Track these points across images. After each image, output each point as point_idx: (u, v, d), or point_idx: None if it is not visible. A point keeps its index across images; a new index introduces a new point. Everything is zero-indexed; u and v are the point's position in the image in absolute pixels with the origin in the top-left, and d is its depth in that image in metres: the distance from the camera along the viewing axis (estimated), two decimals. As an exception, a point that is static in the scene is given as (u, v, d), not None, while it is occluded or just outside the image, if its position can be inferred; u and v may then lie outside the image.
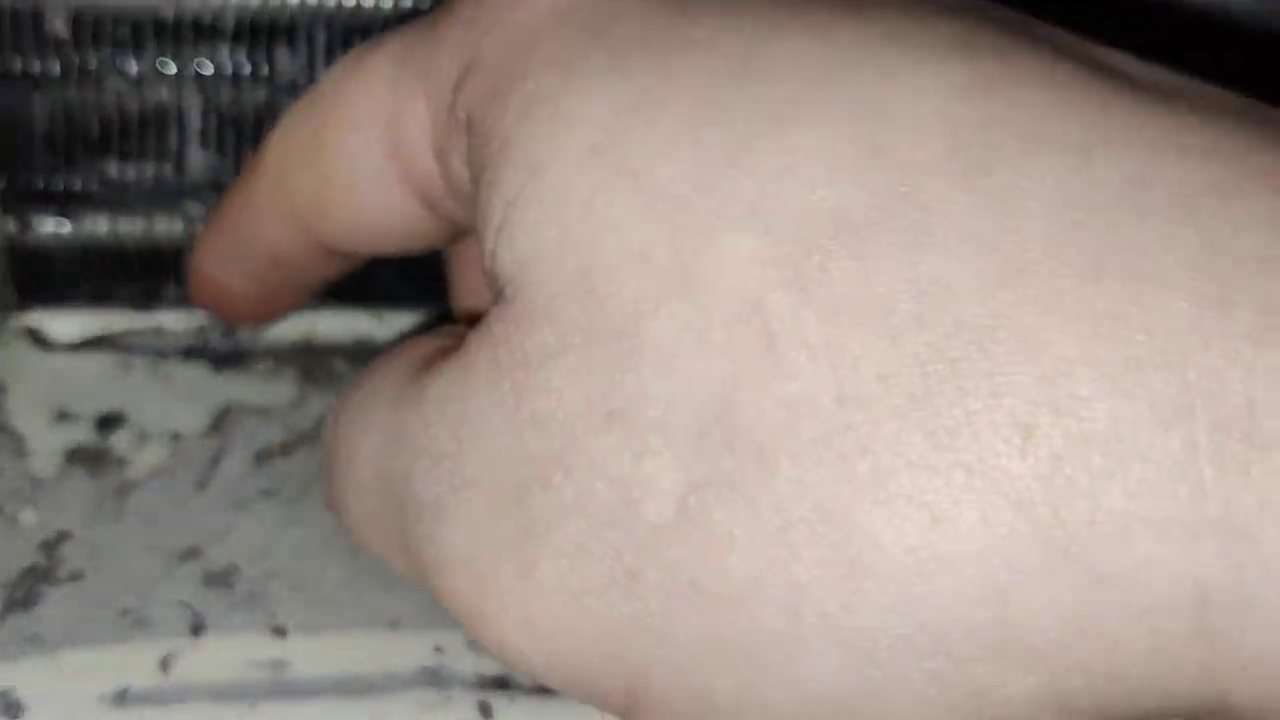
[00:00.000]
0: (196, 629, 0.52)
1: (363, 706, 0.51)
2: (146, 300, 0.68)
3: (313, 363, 0.69)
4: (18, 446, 0.60)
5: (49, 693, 0.49)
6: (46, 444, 0.61)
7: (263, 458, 0.62)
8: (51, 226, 0.67)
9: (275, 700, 0.50)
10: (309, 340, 0.69)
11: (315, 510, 0.59)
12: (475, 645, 0.54)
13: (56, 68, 0.65)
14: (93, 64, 0.65)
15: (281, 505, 0.59)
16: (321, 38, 0.66)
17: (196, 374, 0.67)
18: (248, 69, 0.66)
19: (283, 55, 0.66)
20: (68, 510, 0.57)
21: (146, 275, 0.69)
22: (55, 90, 0.65)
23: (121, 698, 0.49)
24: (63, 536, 0.55)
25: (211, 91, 0.66)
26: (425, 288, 0.73)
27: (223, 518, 0.58)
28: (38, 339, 0.67)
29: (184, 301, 0.70)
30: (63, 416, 0.62)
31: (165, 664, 0.51)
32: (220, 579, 0.55)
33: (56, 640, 0.51)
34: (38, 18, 0.63)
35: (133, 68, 0.65)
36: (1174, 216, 0.28)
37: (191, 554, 0.56)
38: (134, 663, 0.51)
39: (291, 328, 0.69)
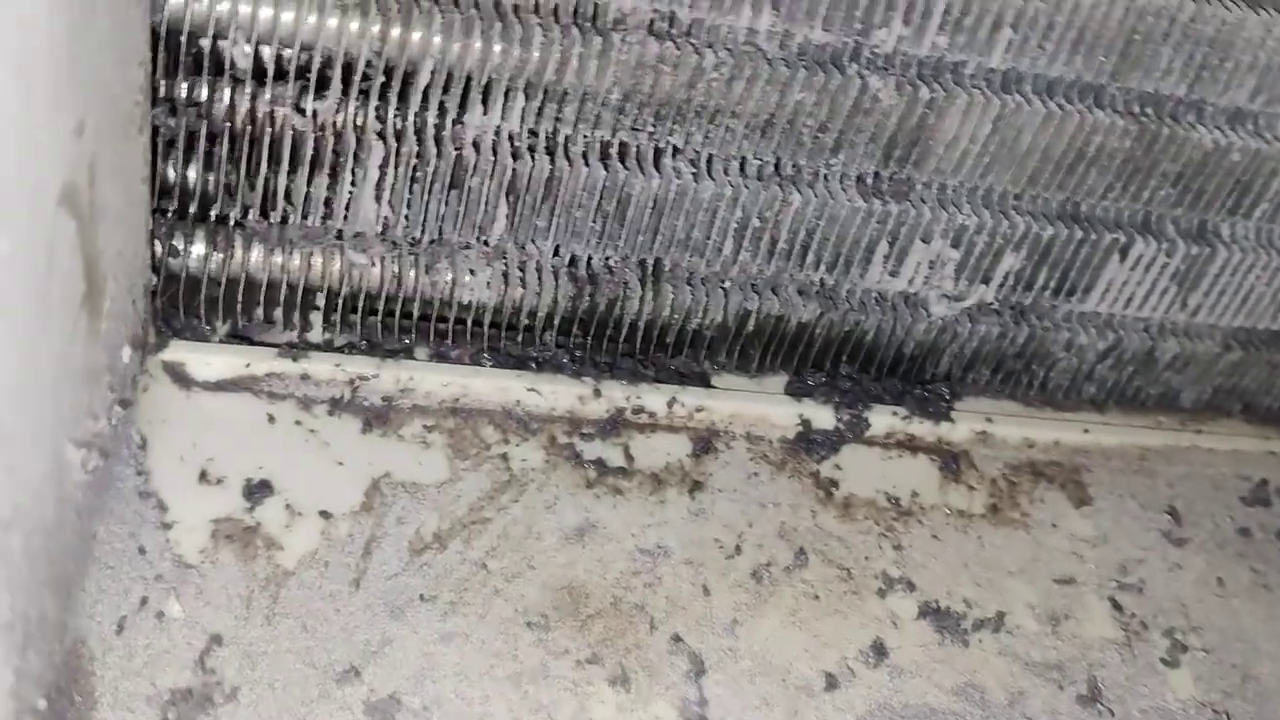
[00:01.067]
0: (359, 771, 0.50)
1: None
2: (295, 349, 0.64)
3: (461, 428, 0.65)
4: (161, 517, 0.56)
5: (207, 836, 0.47)
6: (191, 514, 0.57)
7: (416, 549, 0.59)
8: (201, 253, 0.63)
9: None
10: (458, 400, 0.66)
11: (473, 620, 0.56)
12: (642, 812, 0.52)
13: (228, 97, 0.60)
14: (267, 96, 0.60)
15: (439, 613, 0.56)
16: (518, 103, 0.61)
17: (344, 433, 0.63)
18: (434, 125, 0.61)
19: (474, 116, 0.61)
20: (217, 606, 0.54)
21: (296, 313, 0.65)
22: (224, 119, 0.60)
23: None
24: (214, 641, 0.52)
25: (395, 143, 0.61)
26: (584, 357, 0.69)
27: (380, 627, 0.55)
28: (179, 376, 0.62)
29: (331, 346, 0.66)
30: (206, 478, 0.59)
31: (329, 815, 0.48)
32: (382, 711, 0.52)
33: (213, 772, 0.49)
34: (217, 45, 0.58)
35: (310, 106, 0.60)
36: None
37: (350, 675, 0.53)
38: (296, 810, 0.48)
39: (443, 386, 0.65)
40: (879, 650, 0.60)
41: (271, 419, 0.63)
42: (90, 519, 0.54)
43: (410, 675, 0.54)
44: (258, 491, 0.59)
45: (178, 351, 0.63)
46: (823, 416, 0.70)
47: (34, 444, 0.46)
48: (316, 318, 0.65)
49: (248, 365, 0.63)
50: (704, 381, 0.71)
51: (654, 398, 0.68)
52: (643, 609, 0.59)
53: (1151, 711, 0.62)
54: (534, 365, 0.68)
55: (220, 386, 0.63)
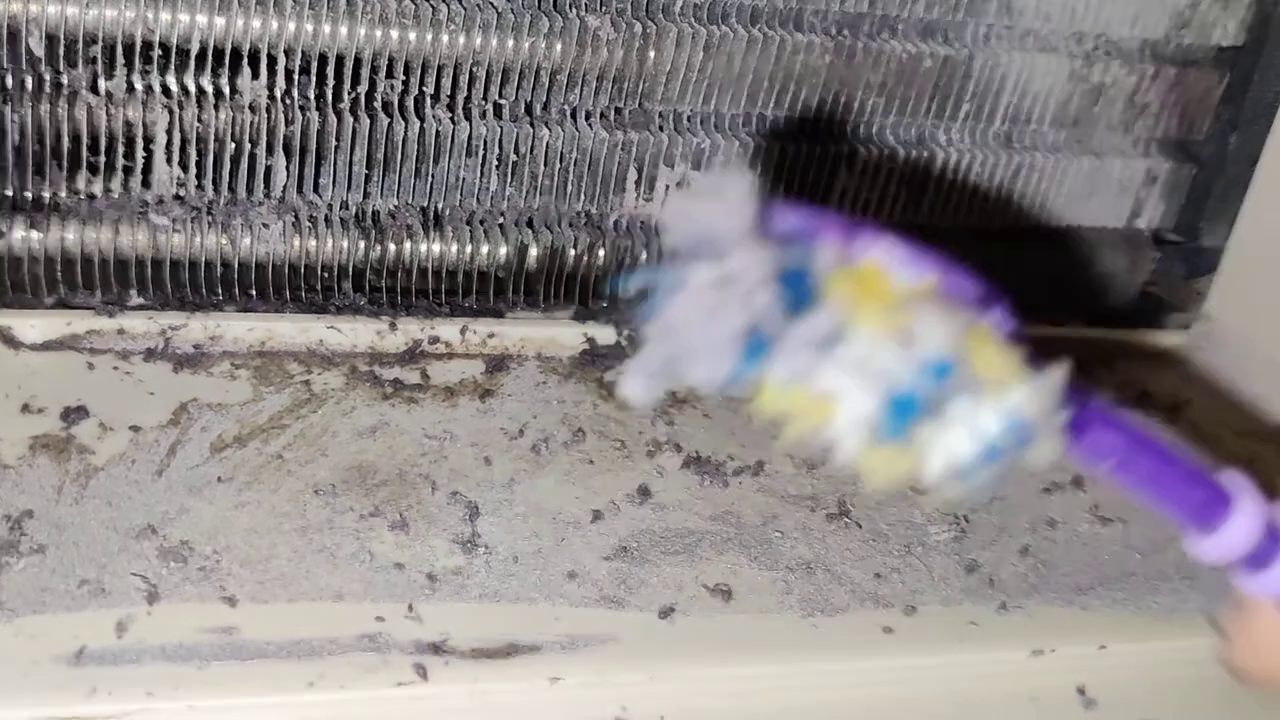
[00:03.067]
0: (151, 598, 0.56)
1: (306, 668, 0.54)
2: (111, 306, 0.72)
3: (268, 365, 0.72)
4: (-15, 437, 0.63)
5: (9, 653, 0.52)
6: (12, 434, 0.64)
7: (217, 449, 0.65)
8: (22, 234, 0.71)
9: (224, 661, 0.54)
10: (264, 344, 0.73)
11: (265, 493, 0.63)
12: (415, 616, 0.57)
13: (31, 83, 0.69)
14: (65, 81, 0.69)
15: (234, 490, 0.63)
16: (281, 63, 0.71)
17: (158, 373, 0.70)
18: (211, 91, 0.71)
19: (244, 79, 0.71)
20: (31, 493, 0.60)
21: (112, 282, 0.73)
22: (29, 105, 0.69)
23: (78, 657, 0.53)
24: (26, 514, 0.59)
25: (177, 111, 0.70)
26: (380, 299, 0.77)
27: (179, 501, 0.61)
28: (7, 339, 0.70)
29: (147, 307, 0.74)
30: (29, 409, 0.66)
31: (120, 628, 0.54)
32: (175, 554, 0.58)
33: (18, 607, 0.54)
34: (14, 36, 0.68)
35: (103, 86, 0.70)
36: None
37: (147, 531, 0.59)
38: (91, 627, 0.54)
39: (249, 331, 0.73)
40: (644, 492, 0.67)
41: (91, 366, 0.70)
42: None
43: (204, 532, 0.60)
44: (74, 414, 0.66)
45: (6, 318, 0.71)
46: (606, 334, 0.78)
47: None
48: (133, 280, 0.73)
49: (69, 324, 0.71)
50: (497, 316, 0.79)
51: (448, 328, 0.76)
52: (426, 477, 0.66)
53: (898, 524, 0.68)
54: (335, 311, 0.76)
55: (46, 346, 0.71)
